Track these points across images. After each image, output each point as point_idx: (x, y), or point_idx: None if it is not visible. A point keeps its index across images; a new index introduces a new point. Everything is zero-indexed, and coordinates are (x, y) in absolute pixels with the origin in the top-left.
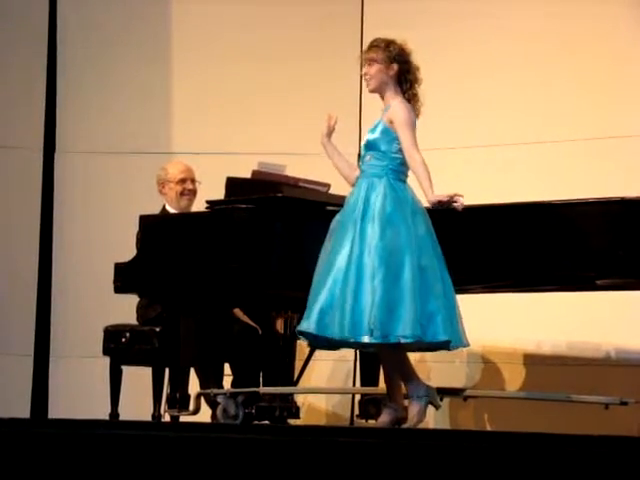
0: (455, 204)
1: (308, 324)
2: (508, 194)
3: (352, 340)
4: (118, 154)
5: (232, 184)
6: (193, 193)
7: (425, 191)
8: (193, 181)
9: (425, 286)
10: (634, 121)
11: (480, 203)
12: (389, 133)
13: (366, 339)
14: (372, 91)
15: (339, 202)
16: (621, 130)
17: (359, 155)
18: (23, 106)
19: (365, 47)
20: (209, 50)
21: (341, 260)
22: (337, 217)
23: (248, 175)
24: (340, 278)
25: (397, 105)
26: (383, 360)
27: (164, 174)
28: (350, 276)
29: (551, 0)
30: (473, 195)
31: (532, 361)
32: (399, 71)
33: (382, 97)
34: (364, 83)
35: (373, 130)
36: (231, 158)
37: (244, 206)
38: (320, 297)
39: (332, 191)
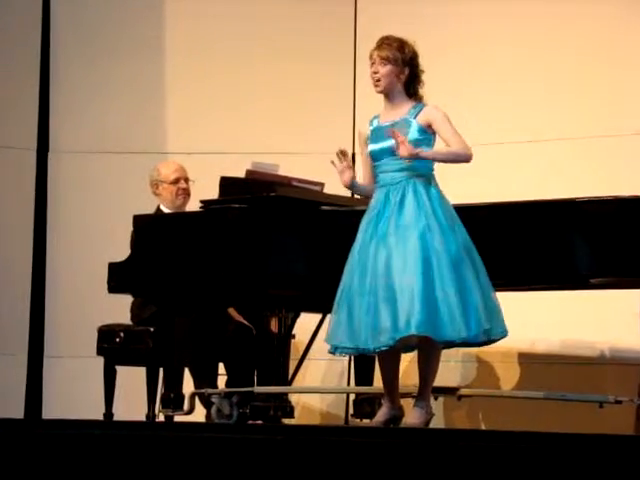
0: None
1: (424, 328)
2: (502, 193)
3: (466, 342)
4: (112, 154)
5: (226, 184)
6: (187, 192)
7: (439, 150)
8: (187, 180)
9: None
10: (631, 120)
11: (474, 202)
12: (427, 134)
13: (481, 338)
14: (381, 92)
15: (333, 201)
16: (617, 129)
17: (353, 155)
18: (16, 106)
19: (377, 43)
20: (202, 50)
21: (427, 261)
22: (372, 216)
23: (242, 175)
24: (439, 278)
25: (436, 107)
26: (429, 359)
27: (157, 175)
28: (449, 278)
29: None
30: (468, 194)
31: (526, 360)
32: (409, 75)
33: (388, 97)
34: (358, 81)
35: (405, 131)
36: (225, 158)
37: (238, 205)
38: (418, 299)
39: (326, 190)
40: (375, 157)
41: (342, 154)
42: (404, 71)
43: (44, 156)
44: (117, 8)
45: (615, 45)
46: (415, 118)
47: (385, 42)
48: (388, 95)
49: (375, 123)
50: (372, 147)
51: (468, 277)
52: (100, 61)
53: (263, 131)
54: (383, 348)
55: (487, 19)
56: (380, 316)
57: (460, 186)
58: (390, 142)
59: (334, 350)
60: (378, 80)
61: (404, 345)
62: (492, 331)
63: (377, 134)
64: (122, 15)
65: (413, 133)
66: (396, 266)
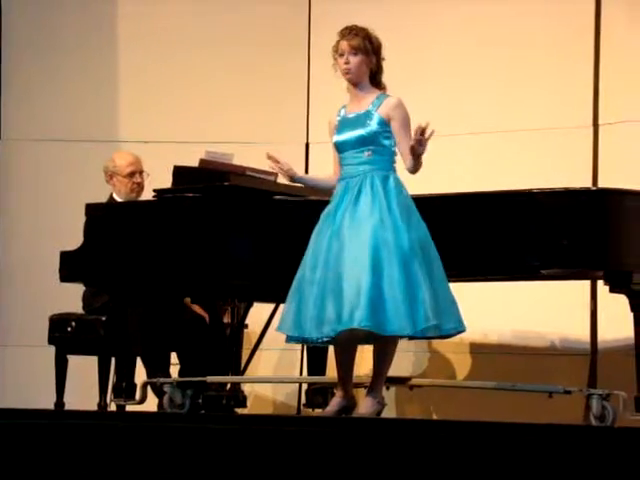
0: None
1: (366, 323)
2: (453, 184)
3: (415, 336)
4: (64, 142)
5: (179, 173)
6: (141, 187)
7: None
8: (141, 173)
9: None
10: (580, 113)
11: (424, 193)
12: (387, 126)
13: (429, 333)
14: (351, 81)
15: (286, 191)
16: (566, 122)
17: (307, 145)
18: None
19: (343, 33)
20: (156, 38)
21: (377, 256)
22: (330, 208)
23: (195, 164)
24: (388, 273)
25: (400, 104)
26: (383, 351)
27: (112, 166)
28: (398, 273)
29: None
30: (419, 185)
31: (477, 350)
32: (376, 64)
33: (355, 87)
34: (312, 70)
35: (365, 123)
36: (178, 147)
37: (191, 195)
38: (364, 293)
39: (279, 180)
40: (338, 149)
41: (270, 159)
42: (372, 60)
43: None
44: None
45: (559, 40)
46: (377, 110)
47: (353, 32)
48: (356, 85)
49: (342, 113)
50: (336, 138)
51: (418, 273)
52: (53, 49)
53: (217, 120)
54: (325, 339)
55: (428, 16)
56: (325, 307)
57: (413, 177)
58: (353, 133)
59: (286, 339)
60: (349, 70)
61: (355, 337)
62: (443, 326)
63: (342, 125)
64: (75, 2)
65: (373, 126)
66: (346, 259)
